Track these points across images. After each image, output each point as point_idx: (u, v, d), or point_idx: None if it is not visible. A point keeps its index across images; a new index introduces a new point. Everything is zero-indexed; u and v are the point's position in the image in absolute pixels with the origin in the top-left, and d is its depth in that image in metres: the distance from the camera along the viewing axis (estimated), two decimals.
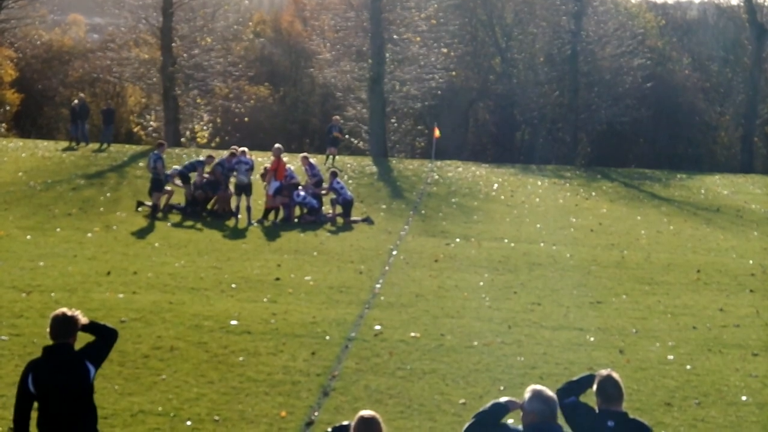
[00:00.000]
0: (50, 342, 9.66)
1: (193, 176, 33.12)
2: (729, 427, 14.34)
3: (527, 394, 8.76)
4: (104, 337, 9.96)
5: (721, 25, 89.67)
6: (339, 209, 32.77)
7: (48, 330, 9.69)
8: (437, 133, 51.56)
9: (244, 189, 31.70)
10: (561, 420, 8.94)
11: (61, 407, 9.51)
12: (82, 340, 9.76)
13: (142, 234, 28.44)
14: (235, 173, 32.03)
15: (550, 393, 8.74)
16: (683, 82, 78.25)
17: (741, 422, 14.58)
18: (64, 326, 9.62)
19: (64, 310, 9.76)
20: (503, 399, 8.95)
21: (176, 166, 35.20)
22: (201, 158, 34.25)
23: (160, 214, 31.60)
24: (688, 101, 76.85)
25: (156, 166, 31.76)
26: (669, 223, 35.60)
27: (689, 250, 30.09)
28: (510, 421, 8.97)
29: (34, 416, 9.62)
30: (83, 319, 9.77)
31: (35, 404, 9.61)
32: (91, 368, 9.63)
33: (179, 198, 33.35)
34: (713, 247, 30.73)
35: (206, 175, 32.93)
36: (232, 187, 32.62)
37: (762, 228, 35.50)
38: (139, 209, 32.33)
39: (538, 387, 8.80)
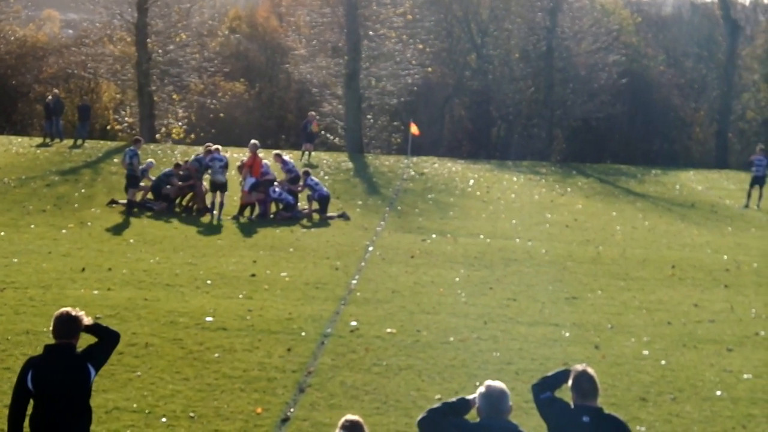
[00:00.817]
0: (46, 340, 9.56)
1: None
2: (704, 422, 14.40)
3: (478, 391, 8.77)
4: (106, 340, 9.89)
5: (696, 21, 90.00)
6: (315, 205, 32.76)
7: (51, 328, 9.61)
8: (415, 129, 51.43)
9: (220, 186, 31.66)
10: (529, 416, 8.94)
11: (58, 407, 9.41)
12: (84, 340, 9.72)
13: (116, 230, 28.37)
14: (209, 171, 31.97)
15: (497, 389, 8.63)
16: (658, 78, 78.49)
17: (715, 417, 14.63)
18: (67, 326, 9.54)
19: (69, 309, 9.67)
20: (471, 396, 8.93)
21: (151, 160, 35.12)
22: (167, 170, 34.00)
23: (135, 210, 31.54)
24: (662, 97, 77.08)
25: (132, 163, 31.66)
26: (644, 219, 35.74)
27: (664, 245, 30.20)
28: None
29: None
30: (87, 320, 9.70)
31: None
32: (92, 370, 9.56)
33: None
34: (688, 243, 30.86)
35: (179, 182, 32.92)
36: (206, 184, 32.54)
37: (736, 223, 35.67)
38: (112, 206, 32.22)
39: (488, 383, 8.74)
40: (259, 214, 31.92)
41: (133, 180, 31.84)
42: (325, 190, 33.34)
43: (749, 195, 40.74)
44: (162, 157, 43.23)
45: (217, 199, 31.66)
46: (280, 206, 32.39)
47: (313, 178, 33.63)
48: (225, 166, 31.89)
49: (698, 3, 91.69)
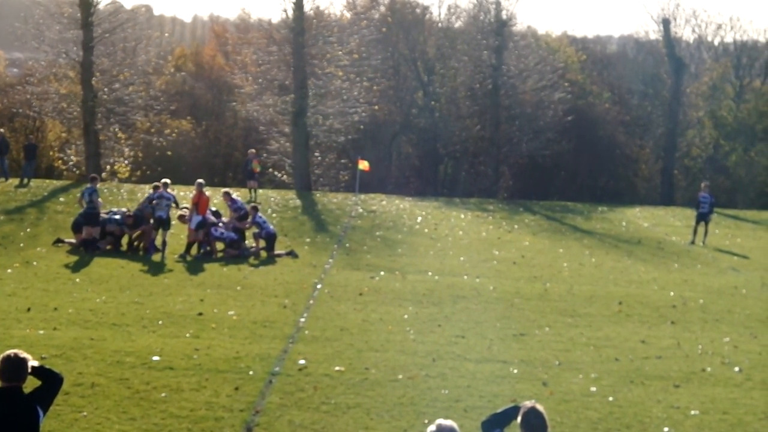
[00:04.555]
0: None
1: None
2: None
3: (428, 429, 8.74)
4: (51, 382, 9.70)
5: (641, 59, 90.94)
6: (262, 243, 32.66)
7: None
8: (365, 165, 51.29)
9: (162, 224, 31.51)
10: None
11: None
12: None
13: (62, 269, 28.11)
14: (155, 203, 31.77)
15: (447, 428, 8.64)
16: (604, 115, 79.08)
17: None
18: (16, 368, 9.31)
19: (16, 351, 9.44)
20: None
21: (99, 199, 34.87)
22: (117, 216, 33.44)
23: (81, 249, 31.25)
24: (608, 134, 77.67)
25: (92, 200, 31.42)
26: (591, 256, 35.87)
27: (611, 282, 30.33)
28: None
29: None
30: (32, 362, 9.52)
31: None
32: (41, 413, 9.37)
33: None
34: (635, 279, 31.01)
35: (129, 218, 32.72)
36: (152, 220, 32.35)
37: (682, 260, 35.88)
38: (58, 245, 31.95)
39: (439, 422, 8.72)
40: (205, 252, 31.79)
41: (93, 218, 31.50)
42: (272, 228, 33.26)
43: (695, 232, 41.04)
44: (108, 196, 42.96)
45: (160, 238, 31.52)
46: (225, 244, 32.31)
47: (261, 215, 33.53)
48: (172, 203, 31.81)
49: (643, 41, 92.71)
